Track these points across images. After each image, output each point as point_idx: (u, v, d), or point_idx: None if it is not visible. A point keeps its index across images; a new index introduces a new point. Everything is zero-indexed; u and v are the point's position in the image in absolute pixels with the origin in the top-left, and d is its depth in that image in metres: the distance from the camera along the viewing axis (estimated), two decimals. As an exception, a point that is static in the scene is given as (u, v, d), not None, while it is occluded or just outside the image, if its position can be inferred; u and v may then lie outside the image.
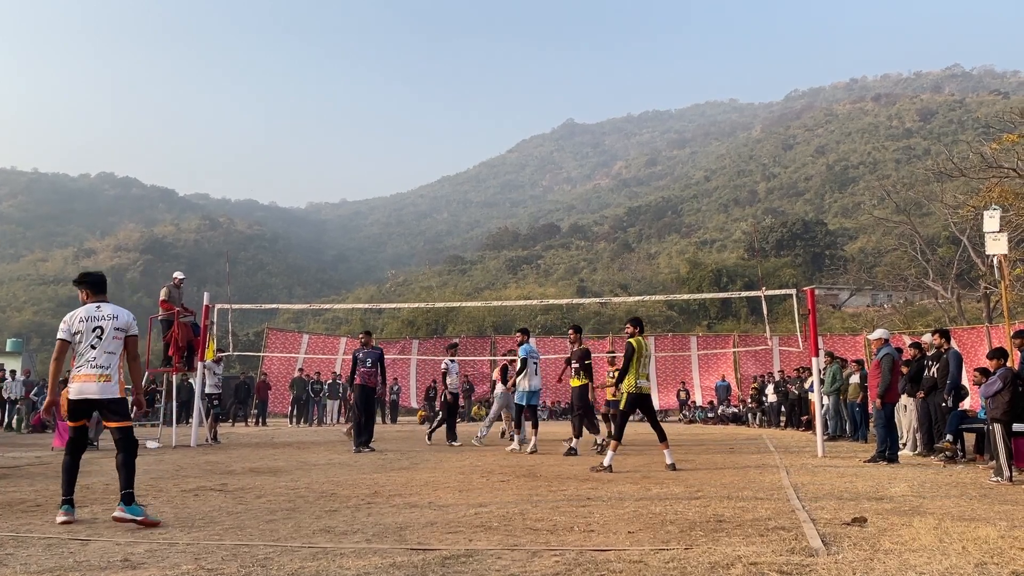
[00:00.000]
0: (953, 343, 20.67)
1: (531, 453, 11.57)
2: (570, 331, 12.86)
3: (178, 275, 13.82)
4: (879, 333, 11.28)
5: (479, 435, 13.87)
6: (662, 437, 9.20)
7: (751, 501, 6.23)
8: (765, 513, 5.55)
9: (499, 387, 14.18)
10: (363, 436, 12.30)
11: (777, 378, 23.31)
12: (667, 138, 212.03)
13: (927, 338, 12.21)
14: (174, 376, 14.14)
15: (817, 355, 11.78)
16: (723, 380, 27.57)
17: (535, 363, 12.27)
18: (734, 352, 27.84)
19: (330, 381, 25.16)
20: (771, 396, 22.94)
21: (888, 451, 10.40)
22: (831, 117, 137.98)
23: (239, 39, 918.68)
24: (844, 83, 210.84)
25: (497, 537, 4.72)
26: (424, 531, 4.98)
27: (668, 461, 9.02)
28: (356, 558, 4.12)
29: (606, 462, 8.67)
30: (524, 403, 12.27)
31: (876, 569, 3.71)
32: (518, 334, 13.07)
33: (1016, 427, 9.02)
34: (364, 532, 4.95)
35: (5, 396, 20.88)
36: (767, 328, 13.08)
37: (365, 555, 4.20)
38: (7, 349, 38.97)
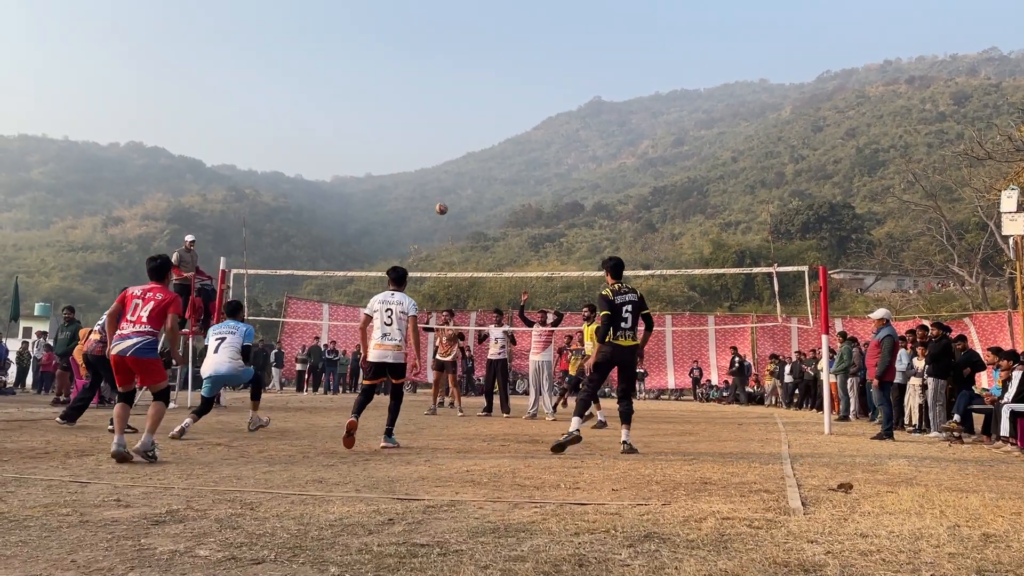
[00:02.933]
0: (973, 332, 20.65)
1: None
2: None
3: (189, 238, 13.89)
4: (880, 313, 11.23)
5: (548, 412, 13.18)
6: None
7: (743, 468, 6.27)
8: (754, 478, 5.59)
9: (534, 356, 13.46)
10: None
11: (794, 359, 23.24)
12: (695, 118, 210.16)
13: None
14: (191, 340, 14.35)
15: (827, 333, 11.73)
16: (745, 360, 27.59)
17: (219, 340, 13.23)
18: (752, 331, 27.75)
19: (355, 351, 25.50)
20: (787, 377, 22.91)
21: (885, 427, 10.43)
22: (863, 99, 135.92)
23: (268, 12, 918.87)
24: (878, 65, 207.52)
25: (483, 491, 4.80)
26: (414, 484, 5.08)
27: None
28: (341, 505, 4.22)
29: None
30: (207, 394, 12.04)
31: (847, 528, 3.75)
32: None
33: (1019, 407, 8.99)
34: (355, 483, 5.07)
35: (33, 356, 21.45)
36: (778, 305, 13.02)
37: (351, 502, 4.30)
38: (35, 313, 39.76)
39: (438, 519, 3.85)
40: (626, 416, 7.65)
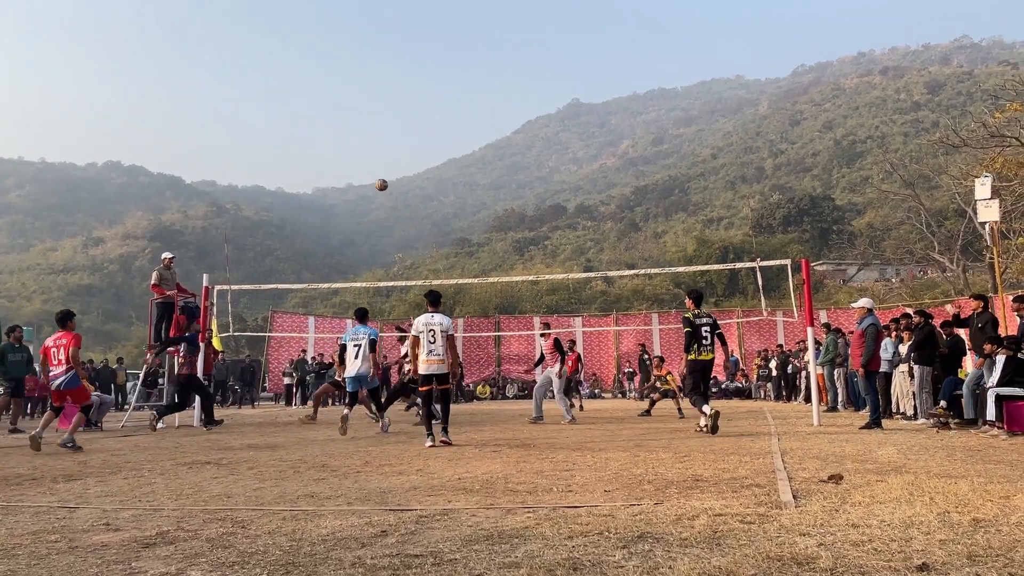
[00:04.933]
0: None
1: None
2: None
3: (167, 255, 13.72)
4: (863, 302, 11.29)
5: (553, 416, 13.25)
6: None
7: (734, 463, 6.29)
8: (745, 473, 5.61)
9: (545, 368, 13.44)
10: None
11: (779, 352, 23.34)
12: (673, 116, 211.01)
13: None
14: (176, 357, 14.24)
15: (812, 325, 11.79)
16: (733, 356, 27.69)
17: (356, 347, 11.21)
18: (738, 326, 27.86)
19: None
20: (774, 370, 23.01)
21: (873, 416, 10.51)
22: (838, 92, 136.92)
23: (241, 23, 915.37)
24: (851, 57, 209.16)
25: (476, 498, 4.80)
26: (406, 495, 5.06)
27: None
28: (334, 518, 4.20)
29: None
30: (351, 389, 11.43)
31: (839, 519, 3.77)
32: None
33: (1009, 391, 9.07)
34: (347, 496, 5.04)
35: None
36: (762, 300, 13.09)
37: (343, 516, 4.28)
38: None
39: (431, 529, 3.84)
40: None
